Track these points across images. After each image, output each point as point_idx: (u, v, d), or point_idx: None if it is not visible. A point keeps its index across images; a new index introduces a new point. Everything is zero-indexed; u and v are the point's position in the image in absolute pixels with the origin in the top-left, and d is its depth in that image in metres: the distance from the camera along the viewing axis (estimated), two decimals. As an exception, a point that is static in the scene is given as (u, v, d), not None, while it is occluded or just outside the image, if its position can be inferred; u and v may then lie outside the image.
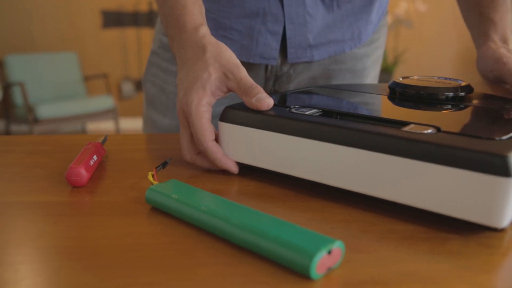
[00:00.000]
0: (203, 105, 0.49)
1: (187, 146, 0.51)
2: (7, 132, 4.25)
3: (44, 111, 3.74)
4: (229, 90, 0.51)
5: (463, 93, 0.52)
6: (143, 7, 4.62)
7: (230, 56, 0.50)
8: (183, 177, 0.50)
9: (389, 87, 0.56)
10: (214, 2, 0.70)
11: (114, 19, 4.58)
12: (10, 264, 0.32)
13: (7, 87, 4.10)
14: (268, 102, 0.47)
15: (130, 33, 4.61)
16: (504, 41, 0.63)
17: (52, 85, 4.17)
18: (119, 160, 0.56)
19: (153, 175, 0.44)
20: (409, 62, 4.65)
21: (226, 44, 0.72)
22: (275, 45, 0.71)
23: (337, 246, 0.31)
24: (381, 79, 4.49)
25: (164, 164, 0.46)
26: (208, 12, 0.70)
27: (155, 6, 4.47)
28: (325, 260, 0.31)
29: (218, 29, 0.71)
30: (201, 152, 0.50)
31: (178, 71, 0.53)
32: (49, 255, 0.34)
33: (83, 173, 0.47)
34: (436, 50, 4.63)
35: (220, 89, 0.50)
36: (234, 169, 0.50)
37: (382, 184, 0.39)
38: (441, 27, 4.53)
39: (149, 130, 0.82)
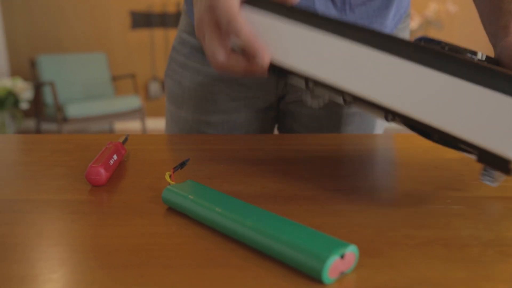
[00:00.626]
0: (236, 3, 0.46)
1: (218, 45, 0.47)
2: (37, 130, 4.35)
3: (73, 110, 3.81)
4: None
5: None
6: (171, 8, 4.67)
7: None
8: (201, 177, 0.50)
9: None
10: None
11: (142, 20, 4.64)
12: (27, 260, 0.33)
13: (38, 87, 4.20)
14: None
15: (158, 33, 4.66)
16: None
17: (81, 85, 4.25)
18: (139, 160, 0.56)
19: (170, 176, 0.44)
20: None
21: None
22: None
23: (351, 251, 0.31)
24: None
25: (182, 165, 0.46)
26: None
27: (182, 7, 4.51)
28: (338, 264, 0.30)
29: None
30: (247, 50, 0.46)
31: None
32: (66, 252, 0.34)
33: (102, 172, 0.47)
34: (467, 52, 4.55)
35: None
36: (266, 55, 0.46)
37: (419, 102, 0.38)
38: (472, 29, 4.44)
39: (169, 122, 0.84)
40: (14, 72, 4.68)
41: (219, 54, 0.47)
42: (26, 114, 4.72)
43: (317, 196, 0.45)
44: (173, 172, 0.45)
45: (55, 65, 4.22)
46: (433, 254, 0.34)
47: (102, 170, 0.47)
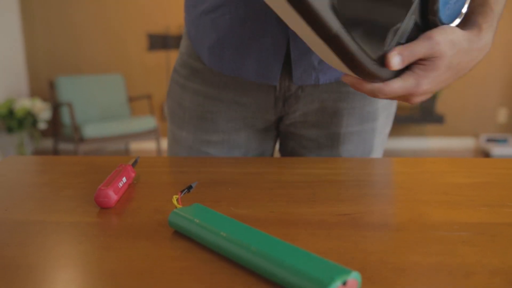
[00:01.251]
0: None
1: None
2: (55, 150, 4.41)
3: (89, 130, 3.86)
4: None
5: None
6: (187, 30, 4.73)
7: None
8: (208, 201, 0.50)
9: None
10: (223, 23, 0.72)
11: (159, 41, 4.72)
12: (32, 281, 0.33)
13: (56, 107, 4.27)
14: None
15: (174, 55, 4.73)
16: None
17: (98, 105, 4.31)
18: (148, 182, 0.57)
19: (177, 199, 0.44)
20: (454, 87, 4.55)
21: (230, 61, 0.74)
22: (278, 66, 0.71)
23: (353, 278, 0.31)
24: (423, 105, 4.40)
25: (189, 188, 0.47)
26: (217, 31, 0.73)
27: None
28: (340, 291, 0.30)
29: (224, 49, 0.73)
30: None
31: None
32: (72, 274, 0.34)
33: (111, 195, 0.48)
34: (482, 74, 4.51)
35: None
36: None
37: None
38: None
39: (170, 142, 0.85)
40: (34, 92, 4.77)
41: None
42: (44, 134, 4.79)
43: (324, 220, 0.45)
44: (180, 196, 0.46)
45: (73, 86, 4.30)
46: (438, 281, 0.33)
47: (111, 193, 0.48)
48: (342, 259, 0.37)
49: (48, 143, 4.76)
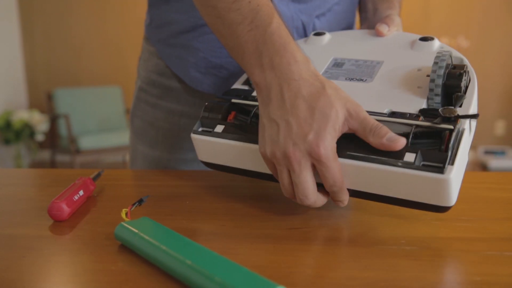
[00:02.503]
0: (335, 148, 0.45)
1: (313, 190, 0.46)
2: (52, 162, 4.42)
3: (86, 142, 3.87)
4: (350, 130, 0.46)
5: None
6: (186, 43, 4.76)
7: (347, 93, 0.47)
8: (163, 214, 0.50)
9: None
10: (203, 42, 0.72)
11: (157, 54, 4.75)
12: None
13: (54, 119, 4.29)
14: (401, 141, 0.44)
15: (172, 68, 4.75)
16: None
17: (96, 117, 4.33)
18: (109, 196, 0.57)
19: (126, 213, 0.45)
20: (451, 98, 4.57)
21: (216, 81, 0.74)
22: None
23: (278, 292, 0.31)
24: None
25: (140, 202, 0.47)
26: (198, 51, 0.73)
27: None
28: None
29: (208, 68, 0.73)
30: (332, 192, 0.46)
31: (278, 107, 0.46)
32: (5, 288, 0.35)
33: (64, 208, 0.48)
34: (480, 87, 4.52)
35: (343, 129, 0.46)
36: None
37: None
38: (484, 64, 4.43)
39: (138, 162, 0.84)
40: (32, 105, 4.79)
41: (313, 198, 0.46)
42: (42, 145, 4.81)
43: (272, 234, 0.45)
44: (130, 209, 0.46)
45: (71, 98, 4.32)
46: (369, 296, 0.33)
47: (63, 206, 0.48)
48: (280, 273, 0.37)
49: (45, 155, 4.77)
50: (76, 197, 0.51)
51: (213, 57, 0.72)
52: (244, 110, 0.56)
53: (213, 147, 0.54)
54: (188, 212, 0.51)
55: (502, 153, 4.40)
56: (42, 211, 0.51)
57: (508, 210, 0.51)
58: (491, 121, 4.57)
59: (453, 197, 0.43)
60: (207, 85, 0.74)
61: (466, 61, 0.54)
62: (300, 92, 0.45)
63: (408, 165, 0.43)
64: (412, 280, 0.36)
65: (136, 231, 0.41)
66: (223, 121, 0.55)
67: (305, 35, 0.72)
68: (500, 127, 4.57)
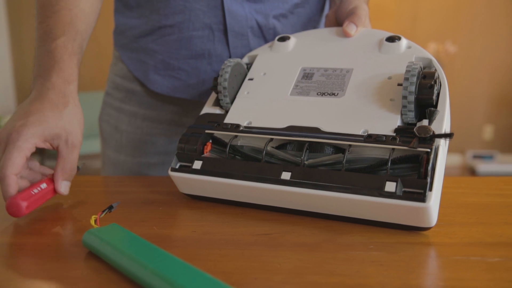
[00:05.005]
0: (29, 142, 0.50)
1: None
2: (41, 168, 4.38)
3: (74, 148, 3.85)
4: (54, 148, 0.53)
5: None
6: (175, 48, 4.76)
7: (79, 126, 0.55)
8: (134, 220, 0.50)
9: None
10: (162, 45, 0.73)
11: (147, 59, 4.74)
12: None
13: (42, 124, 4.26)
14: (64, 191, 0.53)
15: (162, 73, 4.75)
16: None
17: (85, 122, 4.31)
18: (79, 202, 0.57)
19: (95, 220, 0.45)
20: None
21: (174, 83, 0.75)
22: None
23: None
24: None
25: (110, 208, 0.47)
26: (156, 53, 0.74)
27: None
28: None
29: (167, 70, 0.75)
30: None
31: (31, 100, 0.54)
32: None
33: (21, 204, 0.48)
34: (468, 92, 4.56)
35: (50, 140, 0.52)
36: None
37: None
38: (472, 68, 4.47)
39: (107, 167, 0.85)
40: (20, 110, 4.77)
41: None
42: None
43: (241, 240, 0.45)
44: (100, 215, 0.46)
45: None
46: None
47: (20, 202, 0.48)
48: (245, 280, 0.37)
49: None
50: (35, 191, 0.51)
51: (170, 59, 0.74)
52: (219, 141, 0.57)
53: (193, 182, 0.55)
54: (159, 218, 0.51)
55: (490, 157, 4.43)
56: (13, 218, 0.51)
57: (478, 215, 0.52)
58: (480, 126, 4.61)
59: (433, 218, 0.45)
60: (167, 87, 0.75)
61: (434, 62, 0.54)
62: (44, 95, 0.54)
63: (390, 195, 0.44)
64: (377, 286, 0.36)
65: (104, 238, 0.41)
66: (200, 155, 0.55)
67: (263, 36, 0.73)
68: (488, 132, 4.61)
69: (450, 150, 4.57)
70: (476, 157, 4.47)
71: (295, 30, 0.75)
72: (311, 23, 0.77)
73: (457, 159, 4.62)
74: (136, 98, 0.79)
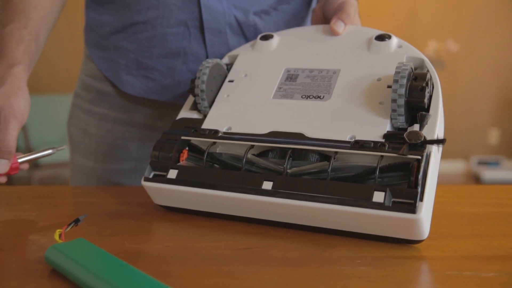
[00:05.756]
0: None
1: None
2: (9, 178, 4.35)
3: (45, 155, 3.82)
4: None
5: None
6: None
7: (17, 108, 0.57)
8: (104, 235, 0.50)
9: None
10: (134, 42, 0.74)
11: (125, 59, 4.73)
12: None
13: (10, 130, 4.23)
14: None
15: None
16: None
17: (57, 128, 4.28)
18: (45, 215, 0.57)
19: (60, 234, 0.45)
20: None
21: (148, 84, 0.75)
22: None
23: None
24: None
25: (76, 221, 0.47)
26: (128, 52, 0.74)
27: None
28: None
29: (140, 69, 0.75)
30: None
31: None
32: None
33: None
34: (472, 93, 4.60)
35: None
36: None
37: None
38: (476, 68, 4.52)
39: (75, 175, 0.84)
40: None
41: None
42: None
43: (220, 255, 0.45)
44: (65, 230, 0.46)
45: (31, 107, 4.27)
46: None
47: None
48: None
49: (1, 170, 4.70)
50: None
51: (143, 58, 0.74)
52: (197, 148, 0.57)
53: (168, 193, 0.55)
54: (131, 232, 0.51)
55: (496, 163, 4.47)
56: (-29, 233, 0.51)
57: (474, 226, 0.52)
58: (484, 130, 4.65)
59: (425, 231, 0.45)
60: (140, 88, 0.76)
61: (427, 62, 0.55)
62: None
63: (378, 206, 0.44)
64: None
65: (69, 254, 0.41)
66: (175, 163, 0.56)
67: (242, 33, 0.73)
68: (493, 136, 4.65)
69: (452, 156, 4.61)
70: (481, 163, 4.50)
71: (278, 28, 0.75)
72: (296, 20, 0.78)
73: (460, 166, 4.66)
74: (107, 100, 0.79)
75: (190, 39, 0.72)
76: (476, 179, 4.33)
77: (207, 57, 0.72)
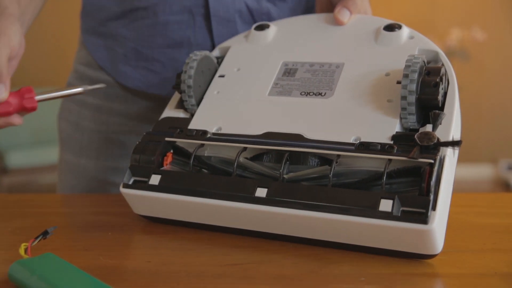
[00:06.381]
0: None
1: None
2: (-26, 184, 4.35)
3: (15, 159, 3.83)
4: None
5: None
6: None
7: (4, 29, 0.56)
8: (76, 249, 0.51)
9: None
10: (133, 30, 0.74)
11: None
12: None
13: (-24, 130, 4.23)
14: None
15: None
16: None
17: (28, 128, 4.28)
18: (14, 227, 0.57)
19: (26, 249, 0.45)
20: (467, 102, 4.62)
21: (148, 76, 0.76)
22: None
23: None
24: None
25: (45, 234, 0.47)
26: (127, 40, 0.75)
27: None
28: None
29: (139, 60, 0.76)
30: None
31: None
32: None
33: None
34: (500, 88, 4.60)
35: None
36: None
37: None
38: (504, 59, 4.52)
39: (64, 175, 0.85)
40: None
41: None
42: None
43: (205, 272, 0.45)
44: (32, 243, 0.46)
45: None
46: None
47: None
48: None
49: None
50: None
51: (143, 48, 0.75)
52: (182, 151, 0.57)
53: (150, 201, 0.55)
54: (108, 246, 0.52)
55: (528, 168, 4.46)
56: None
57: (495, 239, 0.53)
58: (514, 130, 4.64)
59: (438, 244, 0.45)
60: (139, 80, 0.76)
61: (442, 55, 0.55)
62: None
63: (385, 216, 0.45)
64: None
65: (35, 270, 0.41)
66: (158, 168, 0.56)
67: (254, 21, 0.73)
68: (525, 137, 4.64)
69: (478, 160, 4.61)
70: (511, 168, 4.50)
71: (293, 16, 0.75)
72: (312, 9, 0.78)
73: (488, 171, 4.65)
74: (102, 89, 0.79)
75: (194, 28, 0.72)
76: (506, 186, 4.32)
77: (213, 48, 0.72)
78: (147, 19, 0.73)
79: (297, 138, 0.52)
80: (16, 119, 0.57)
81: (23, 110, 0.57)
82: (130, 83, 0.77)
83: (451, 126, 0.49)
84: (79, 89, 0.61)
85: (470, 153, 4.62)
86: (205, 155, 0.57)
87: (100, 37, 0.78)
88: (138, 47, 0.75)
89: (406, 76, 0.50)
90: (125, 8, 0.74)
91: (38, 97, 0.58)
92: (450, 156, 0.48)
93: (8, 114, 0.56)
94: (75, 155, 0.82)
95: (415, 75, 0.50)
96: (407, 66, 0.50)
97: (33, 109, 0.57)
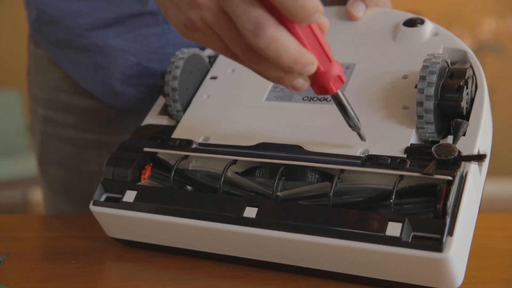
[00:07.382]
0: None
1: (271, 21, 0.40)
2: None
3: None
4: None
5: None
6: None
7: None
8: (32, 281, 0.51)
9: None
10: (133, 41, 0.72)
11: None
12: None
13: None
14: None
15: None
16: None
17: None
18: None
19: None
20: (502, 102, 4.61)
21: (156, 95, 0.71)
22: None
23: None
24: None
25: (-4, 263, 0.48)
26: (125, 54, 0.72)
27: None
28: None
29: (144, 77, 0.74)
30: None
31: None
32: None
33: None
34: (541, 88, 4.60)
35: None
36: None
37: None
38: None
39: (49, 190, 0.85)
40: None
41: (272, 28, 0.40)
42: None
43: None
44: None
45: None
46: None
47: None
48: None
49: None
50: None
51: (150, 62, 0.73)
52: (163, 163, 0.58)
53: (124, 222, 0.55)
54: (71, 276, 0.52)
55: None
56: None
57: (526, 269, 0.53)
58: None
59: (457, 276, 0.45)
60: (142, 101, 0.74)
61: (471, 55, 0.55)
62: None
63: (393, 241, 0.44)
64: None
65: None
66: (134, 182, 0.56)
67: None
68: None
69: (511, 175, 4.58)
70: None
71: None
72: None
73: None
74: (98, 119, 0.78)
75: None
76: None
77: None
78: (154, 27, 0.72)
79: (295, 150, 0.53)
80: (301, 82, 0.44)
81: (325, 84, 0.45)
82: (131, 106, 0.76)
83: (477, 137, 0.49)
84: None
85: (501, 167, 4.61)
86: (190, 168, 0.57)
87: (80, 52, 0.75)
88: (142, 62, 0.73)
89: (423, 78, 0.50)
90: (120, 13, 0.72)
91: None
92: (475, 172, 0.48)
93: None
94: (59, 165, 0.82)
95: (434, 77, 0.50)
96: (424, 67, 0.50)
97: (330, 91, 0.45)
